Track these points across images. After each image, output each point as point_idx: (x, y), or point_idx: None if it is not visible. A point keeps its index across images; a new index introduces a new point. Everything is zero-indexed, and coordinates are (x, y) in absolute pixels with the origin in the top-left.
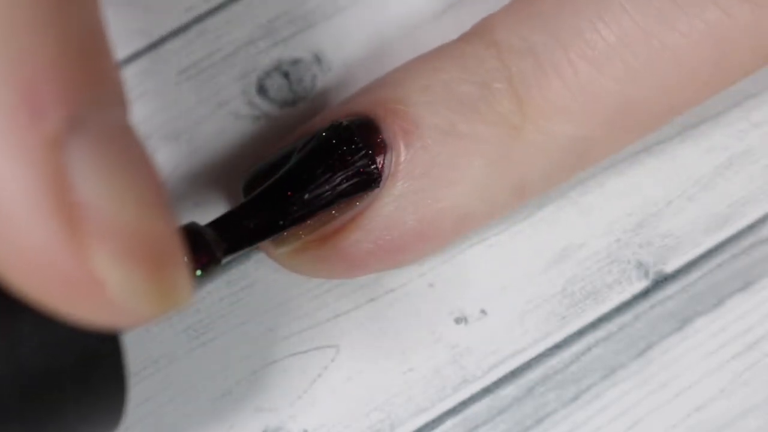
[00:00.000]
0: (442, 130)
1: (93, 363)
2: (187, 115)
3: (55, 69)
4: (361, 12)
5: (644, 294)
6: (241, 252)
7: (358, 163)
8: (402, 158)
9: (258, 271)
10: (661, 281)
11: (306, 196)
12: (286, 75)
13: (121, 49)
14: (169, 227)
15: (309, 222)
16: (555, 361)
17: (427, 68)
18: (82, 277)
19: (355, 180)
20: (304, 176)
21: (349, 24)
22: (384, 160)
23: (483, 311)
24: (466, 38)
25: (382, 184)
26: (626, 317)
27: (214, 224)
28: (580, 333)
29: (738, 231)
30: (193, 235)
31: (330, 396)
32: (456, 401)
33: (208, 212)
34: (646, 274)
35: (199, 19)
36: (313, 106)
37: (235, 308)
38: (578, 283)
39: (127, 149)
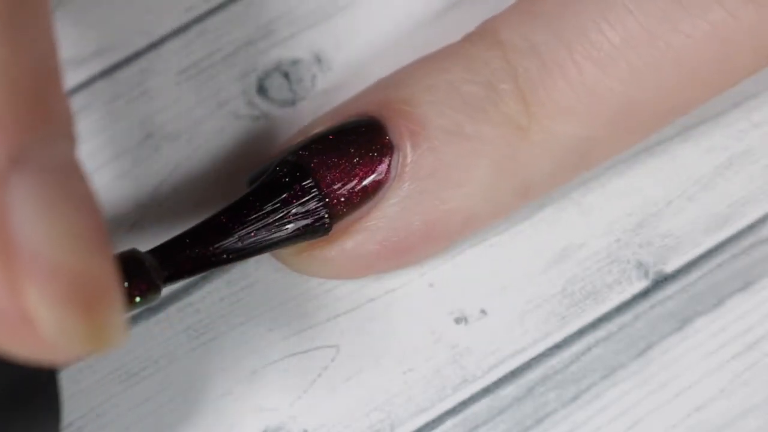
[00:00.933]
0: (448, 130)
1: (28, 396)
2: (187, 115)
3: (3, 103)
4: (361, 12)
5: (644, 294)
6: (182, 280)
7: (309, 205)
8: (408, 159)
9: (258, 271)
10: (661, 281)
11: (251, 231)
12: (286, 75)
13: (121, 49)
14: (104, 268)
15: None
16: (555, 361)
17: (433, 68)
18: (15, 314)
19: (303, 222)
20: (251, 212)
21: (349, 24)
22: (390, 161)
23: (483, 311)
24: (470, 39)
25: (387, 186)
26: (626, 317)
27: (156, 251)
28: (580, 333)
29: (738, 231)
30: (133, 262)
31: (330, 396)
32: (456, 401)
33: (208, 212)
34: (646, 274)
35: (199, 19)
36: (313, 106)
37: (235, 308)
38: (578, 283)
39: (69, 187)
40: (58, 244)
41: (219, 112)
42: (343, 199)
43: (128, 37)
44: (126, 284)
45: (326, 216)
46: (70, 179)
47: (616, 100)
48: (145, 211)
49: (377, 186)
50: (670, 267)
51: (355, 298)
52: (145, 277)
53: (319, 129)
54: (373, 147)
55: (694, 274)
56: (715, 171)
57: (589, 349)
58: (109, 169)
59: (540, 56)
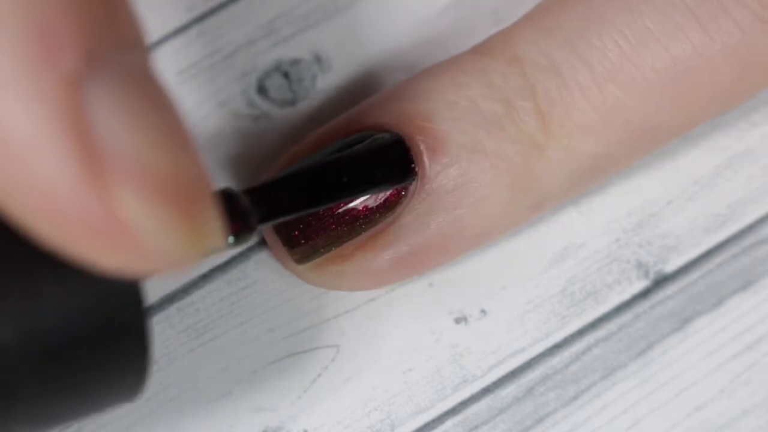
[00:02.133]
0: (468, 147)
1: (116, 329)
2: (187, 115)
3: (70, 8)
4: (361, 12)
5: (644, 294)
6: (274, 222)
7: (401, 182)
8: (427, 175)
9: (258, 271)
10: (661, 281)
11: (345, 180)
12: (286, 75)
13: None
14: (197, 168)
15: (333, 236)
16: (555, 361)
17: (451, 83)
18: (108, 221)
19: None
20: (348, 170)
21: (349, 24)
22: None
23: (483, 311)
24: (487, 52)
25: (406, 201)
26: (626, 317)
27: (251, 191)
28: (580, 333)
29: (738, 231)
30: (228, 200)
31: (330, 396)
32: (456, 401)
33: None
34: (646, 274)
35: (199, 19)
36: (313, 106)
37: (235, 308)
38: (578, 283)
39: (148, 91)
40: (146, 145)
41: (219, 112)
42: (360, 214)
43: None
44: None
45: (412, 169)
46: (149, 84)
47: (634, 118)
48: None
49: (395, 201)
50: (670, 267)
51: (355, 298)
52: (241, 216)
53: (336, 138)
54: (401, 158)
55: (694, 274)
56: (715, 171)
57: (589, 349)
58: None
59: (560, 75)
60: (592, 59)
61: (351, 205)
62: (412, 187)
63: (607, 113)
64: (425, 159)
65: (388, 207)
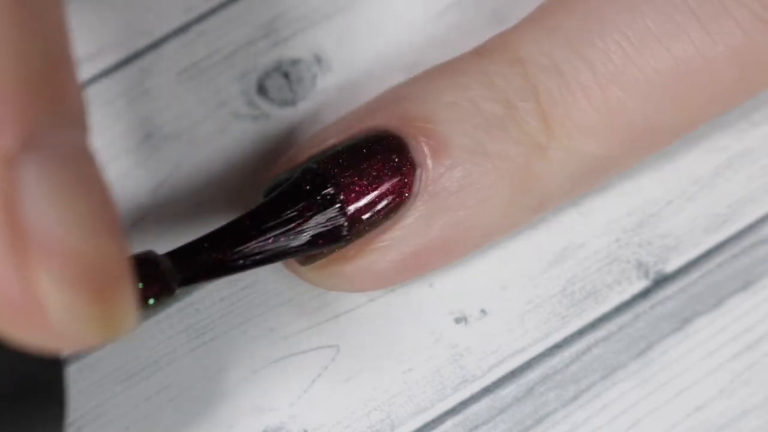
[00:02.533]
0: (470, 149)
1: (34, 389)
2: (187, 115)
3: (12, 87)
4: (361, 12)
5: (644, 294)
6: (196, 285)
7: (330, 215)
8: (430, 177)
9: (258, 271)
10: (661, 281)
11: (270, 238)
12: (286, 75)
13: (121, 49)
14: (116, 254)
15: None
16: (555, 361)
17: (452, 84)
18: (25, 299)
19: (323, 230)
20: (270, 219)
21: (349, 24)
22: (412, 178)
23: (483, 311)
24: (488, 54)
25: (408, 203)
26: (626, 317)
27: (173, 254)
28: (580, 333)
29: (738, 231)
30: (148, 263)
31: (330, 396)
32: (456, 401)
33: (208, 212)
34: (646, 274)
35: (199, 19)
36: (313, 106)
37: (235, 308)
38: (578, 283)
39: (81, 172)
40: (69, 228)
41: (219, 112)
42: (363, 216)
43: (128, 37)
44: (140, 285)
45: (346, 226)
46: (82, 164)
47: (635, 119)
48: (145, 211)
49: (398, 203)
50: (670, 267)
51: (355, 298)
52: (160, 278)
53: (336, 140)
54: (395, 164)
55: (694, 274)
56: (715, 171)
57: (589, 349)
58: (109, 169)
59: (562, 75)
60: (594, 60)
61: (356, 205)
62: (415, 189)
63: (608, 114)
64: (428, 161)
65: (391, 209)
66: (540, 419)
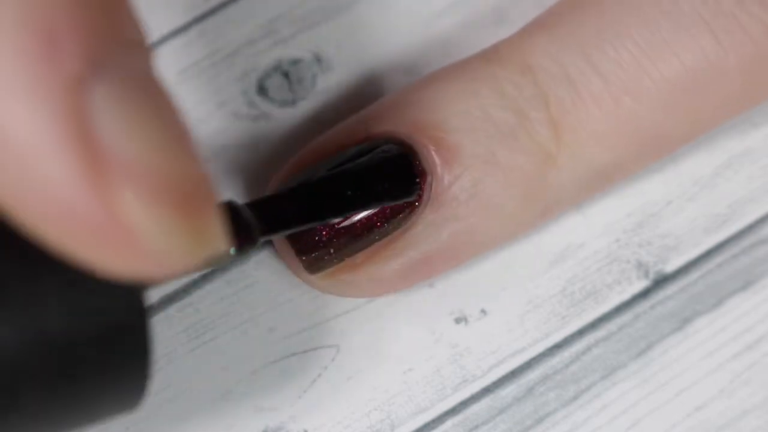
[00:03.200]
0: (481, 158)
1: (118, 335)
2: (187, 115)
3: (73, 11)
4: (362, 12)
5: (644, 294)
6: (277, 235)
7: (405, 197)
8: (440, 186)
9: (258, 271)
10: (661, 281)
11: (349, 194)
12: (286, 75)
13: None
14: (199, 171)
15: (345, 247)
16: (555, 361)
17: (463, 91)
18: (110, 223)
19: (394, 185)
20: (353, 184)
21: (349, 24)
22: (423, 187)
23: (483, 311)
24: (498, 60)
25: (418, 212)
26: (626, 317)
27: (254, 204)
28: (580, 333)
29: (738, 231)
30: (230, 212)
31: (330, 396)
32: (456, 401)
33: None
34: (646, 274)
35: (199, 19)
36: (313, 106)
37: (235, 308)
38: (578, 283)
39: (150, 94)
40: (149, 147)
41: (219, 112)
42: (375, 226)
43: None
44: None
45: (417, 184)
46: (152, 87)
47: (646, 127)
48: None
49: (409, 211)
50: (670, 267)
51: (355, 298)
52: (244, 228)
53: (347, 143)
54: (406, 173)
55: (694, 274)
56: (715, 171)
57: (589, 349)
58: None
59: (573, 84)
60: (605, 69)
61: (363, 215)
62: (425, 197)
63: (619, 123)
64: (439, 169)
65: (402, 217)
66: (540, 419)
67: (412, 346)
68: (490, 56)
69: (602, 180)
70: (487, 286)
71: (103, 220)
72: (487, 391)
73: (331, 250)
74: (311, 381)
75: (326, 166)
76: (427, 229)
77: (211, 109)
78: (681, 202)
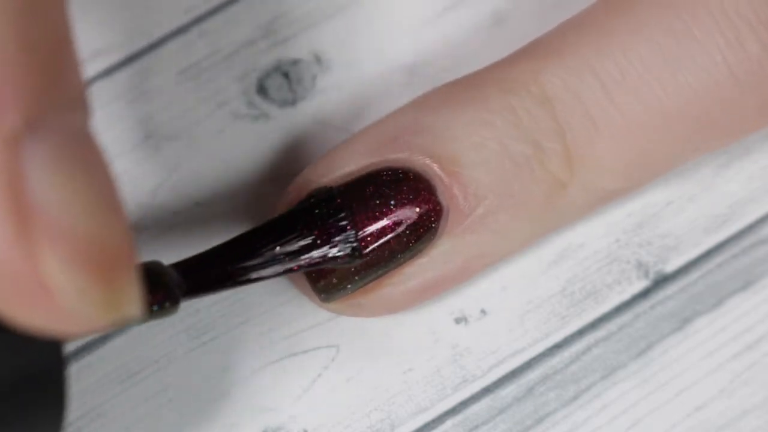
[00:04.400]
0: (496, 191)
1: (34, 383)
2: (187, 115)
3: (14, 70)
4: (361, 12)
5: (644, 294)
6: (202, 296)
7: (340, 235)
8: (455, 218)
9: None
10: (661, 281)
11: (276, 250)
12: (286, 75)
13: (121, 50)
14: (121, 236)
15: (362, 277)
16: (555, 361)
17: (478, 121)
18: (31, 281)
19: (332, 254)
20: (278, 233)
21: (349, 24)
22: (439, 219)
23: (483, 311)
24: (513, 89)
25: (427, 242)
26: (626, 317)
27: (180, 265)
28: (580, 333)
29: (738, 231)
30: (154, 272)
31: (330, 396)
32: (456, 401)
33: (208, 212)
34: (646, 274)
35: (199, 19)
36: (313, 106)
37: (235, 308)
38: (578, 283)
39: (84, 155)
40: (74, 208)
41: (219, 112)
42: (390, 255)
43: (128, 37)
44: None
45: (356, 245)
46: (85, 146)
47: (658, 155)
48: (145, 211)
49: (425, 241)
50: (670, 267)
51: None
52: (165, 288)
53: (355, 167)
54: (421, 207)
55: (694, 274)
56: (715, 171)
57: (589, 349)
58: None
59: (590, 117)
60: (622, 101)
61: (370, 240)
62: (440, 228)
63: (633, 154)
64: (456, 203)
65: (417, 248)
66: (540, 419)
67: (412, 346)
68: (503, 84)
69: (610, 201)
70: (487, 286)
71: (25, 279)
72: (487, 391)
73: (348, 286)
74: (311, 381)
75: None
76: (439, 257)
77: (211, 109)
78: (681, 202)
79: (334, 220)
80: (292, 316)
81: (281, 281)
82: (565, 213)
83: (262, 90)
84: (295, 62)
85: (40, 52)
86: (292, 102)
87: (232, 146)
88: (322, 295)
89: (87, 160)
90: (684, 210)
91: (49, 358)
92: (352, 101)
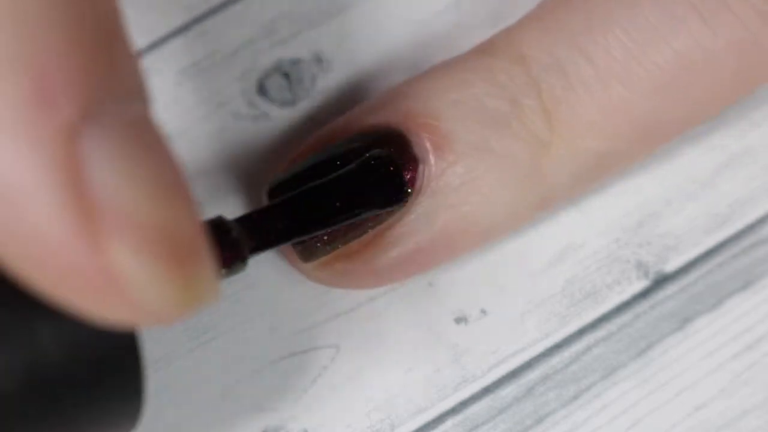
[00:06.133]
0: (473, 145)
1: (110, 368)
2: (187, 115)
3: (69, 58)
4: (362, 12)
5: (644, 294)
6: (267, 250)
7: (392, 185)
8: (432, 173)
9: (258, 271)
10: (661, 281)
11: (337, 205)
12: (286, 75)
13: None
14: (193, 221)
15: (338, 235)
16: (555, 361)
17: (455, 81)
18: (100, 273)
19: (384, 190)
20: (340, 194)
21: (349, 24)
22: (415, 174)
23: (483, 311)
24: (491, 51)
25: (411, 198)
26: (626, 317)
27: (242, 220)
28: (580, 333)
29: (738, 231)
30: (220, 230)
31: (330, 396)
32: (456, 401)
33: (208, 212)
34: (646, 274)
35: (199, 19)
36: (313, 106)
37: (235, 308)
38: (578, 283)
39: (146, 143)
40: (142, 197)
41: (219, 112)
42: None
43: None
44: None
45: (407, 191)
46: (147, 135)
47: (638, 115)
48: None
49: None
50: (670, 267)
51: (355, 297)
52: (234, 246)
53: (340, 136)
54: (398, 160)
55: (694, 274)
56: (715, 171)
57: (589, 349)
58: None
59: (565, 73)
60: (596, 57)
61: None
62: (418, 185)
63: (611, 111)
64: (431, 156)
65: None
66: (540, 419)
67: (412, 346)
68: (483, 48)
69: (597, 170)
70: (487, 286)
71: (92, 270)
72: (487, 391)
73: (325, 237)
74: (311, 381)
75: (316, 159)
76: (421, 217)
77: (211, 109)
78: (681, 201)
79: (392, 180)
80: (291, 316)
81: (281, 281)
82: (551, 177)
83: (262, 90)
84: (295, 62)
85: (92, 38)
86: (292, 102)
87: (232, 146)
88: (303, 254)
89: (149, 148)
90: (684, 210)
91: (124, 349)
92: (352, 101)
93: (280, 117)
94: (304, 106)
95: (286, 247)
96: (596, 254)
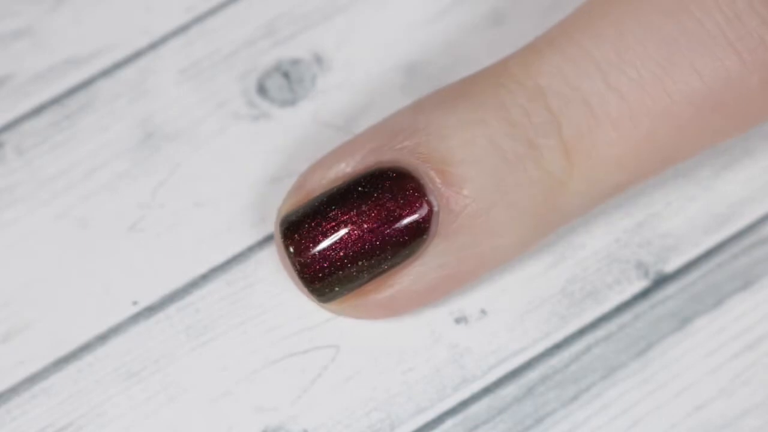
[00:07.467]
0: (488, 189)
1: None
2: (187, 115)
3: None
4: (361, 12)
5: (644, 294)
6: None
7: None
8: (447, 218)
9: (258, 271)
10: (661, 281)
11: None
12: (286, 75)
13: (121, 49)
14: None
15: (357, 272)
16: (555, 361)
17: (470, 119)
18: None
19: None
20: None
21: (349, 24)
22: (430, 219)
23: (483, 311)
24: (507, 83)
25: (426, 242)
26: (626, 317)
27: None
28: (580, 333)
29: (738, 231)
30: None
31: (330, 396)
32: (456, 401)
33: (208, 212)
34: (646, 274)
35: (199, 19)
36: (313, 106)
37: (235, 308)
38: (578, 283)
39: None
40: None
41: (219, 112)
42: (383, 256)
43: (128, 37)
44: None
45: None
46: None
47: (664, 146)
48: (145, 211)
49: (418, 242)
50: (670, 267)
51: None
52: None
53: (349, 168)
54: (413, 206)
55: (694, 274)
56: (715, 171)
57: (589, 349)
58: (109, 169)
59: (589, 106)
60: (625, 91)
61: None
62: (432, 228)
63: (637, 145)
64: (445, 202)
65: (411, 249)
66: (540, 419)
67: (412, 346)
68: (498, 75)
69: (613, 195)
70: (487, 286)
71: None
72: (487, 391)
73: (338, 288)
74: (311, 381)
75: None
76: (435, 259)
77: (211, 109)
78: (681, 202)
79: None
80: (292, 317)
81: (281, 281)
82: (567, 210)
83: (262, 90)
84: (295, 62)
85: None
86: (292, 102)
87: (232, 146)
88: (317, 298)
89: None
90: (684, 210)
91: None
92: (352, 101)
93: (280, 117)
94: (304, 106)
95: (302, 287)
96: (596, 254)
